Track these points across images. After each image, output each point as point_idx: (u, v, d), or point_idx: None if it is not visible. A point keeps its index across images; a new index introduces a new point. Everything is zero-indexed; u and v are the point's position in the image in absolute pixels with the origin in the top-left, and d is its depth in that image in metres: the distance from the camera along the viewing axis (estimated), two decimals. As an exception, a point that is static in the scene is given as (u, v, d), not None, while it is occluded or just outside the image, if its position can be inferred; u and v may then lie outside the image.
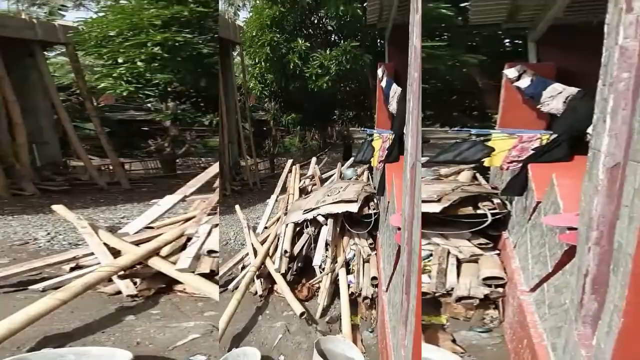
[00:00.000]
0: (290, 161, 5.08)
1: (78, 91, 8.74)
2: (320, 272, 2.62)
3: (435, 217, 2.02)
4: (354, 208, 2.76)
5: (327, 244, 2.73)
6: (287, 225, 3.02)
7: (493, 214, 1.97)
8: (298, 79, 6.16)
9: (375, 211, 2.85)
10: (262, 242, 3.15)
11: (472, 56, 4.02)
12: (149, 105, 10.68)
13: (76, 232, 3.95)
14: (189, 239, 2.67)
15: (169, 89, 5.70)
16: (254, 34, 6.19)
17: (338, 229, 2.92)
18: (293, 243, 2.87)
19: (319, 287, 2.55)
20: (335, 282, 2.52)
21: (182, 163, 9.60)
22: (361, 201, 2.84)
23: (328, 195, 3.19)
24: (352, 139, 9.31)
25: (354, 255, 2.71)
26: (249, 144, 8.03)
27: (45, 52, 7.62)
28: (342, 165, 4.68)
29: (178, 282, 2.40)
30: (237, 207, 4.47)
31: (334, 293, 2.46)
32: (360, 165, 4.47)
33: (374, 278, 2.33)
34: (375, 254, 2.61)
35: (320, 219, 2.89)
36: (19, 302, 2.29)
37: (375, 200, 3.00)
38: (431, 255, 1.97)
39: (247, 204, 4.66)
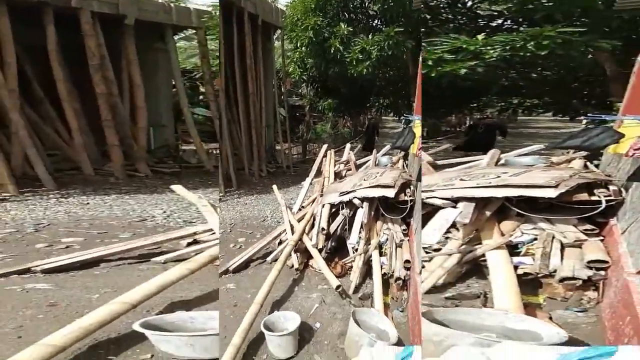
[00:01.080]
0: (325, 146, 5.16)
1: (197, 75, 8.96)
2: (354, 252, 2.72)
3: (544, 203, 2.06)
4: (390, 193, 2.78)
5: (362, 226, 2.79)
6: (323, 205, 3.12)
7: (607, 201, 1.97)
8: (338, 63, 6.12)
9: (411, 198, 2.84)
10: (299, 220, 3.30)
11: (607, 42, 3.69)
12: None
13: (189, 211, 4.47)
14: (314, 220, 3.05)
15: (311, 74, 6.41)
16: (297, 17, 6.19)
17: (373, 212, 2.97)
18: (329, 223, 2.97)
19: (351, 267, 2.64)
20: (367, 263, 2.60)
21: (310, 149, 9.86)
22: (398, 187, 2.85)
23: (364, 180, 3.23)
24: (378, 127, 9.18)
25: (387, 239, 2.75)
26: (284, 128, 8.22)
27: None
28: (376, 153, 4.66)
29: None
30: (274, 187, 4.69)
31: (366, 273, 2.54)
32: (396, 152, 4.43)
33: (406, 261, 2.36)
34: (408, 239, 2.64)
35: (357, 201, 2.95)
36: (142, 272, 2.65)
37: (412, 188, 2.98)
38: (535, 239, 2.04)
39: (281, 186, 4.89)
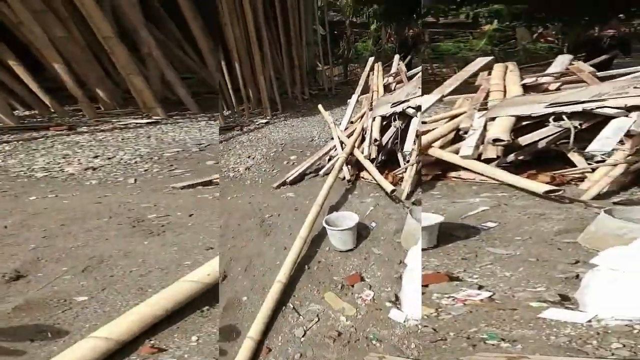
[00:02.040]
0: (371, 59, 4.79)
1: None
2: (405, 163, 2.75)
3: None
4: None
5: (416, 135, 2.73)
6: (374, 118, 3.10)
7: None
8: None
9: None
10: (348, 136, 3.33)
11: None
12: None
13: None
14: (457, 133, 2.88)
15: None
16: None
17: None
18: (380, 135, 2.95)
19: (401, 178, 2.69)
20: (419, 173, 2.63)
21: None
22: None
23: (419, 88, 3.06)
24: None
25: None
26: (325, 48, 7.52)
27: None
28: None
29: (451, 170, 2.69)
30: (319, 106, 4.64)
31: (418, 182, 2.60)
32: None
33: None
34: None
35: (410, 110, 2.85)
36: (319, 183, 2.89)
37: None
38: None
39: (325, 108, 4.79)
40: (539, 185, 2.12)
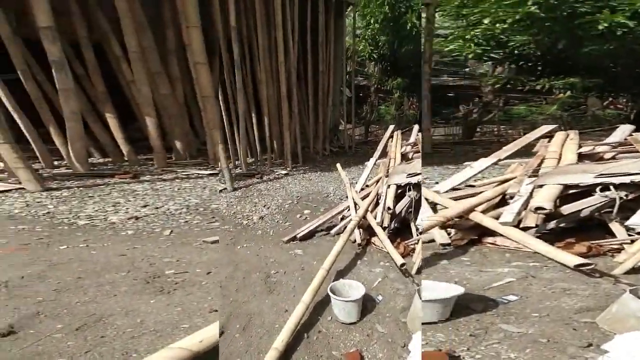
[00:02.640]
0: (391, 127, 4.91)
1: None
2: (418, 234, 2.64)
3: None
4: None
5: (429, 209, 2.67)
6: (389, 185, 3.05)
7: None
8: (412, 40, 5.57)
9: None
10: (362, 199, 3.30)
11: None
12: (466, 69, 10.26)
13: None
14: (503, 198, 2.87)
15: (515, 52, 5.42)
16: (372, -7, 5.72)
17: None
18: (394, 203, 2.90)
19: (413, 248, 2.57)
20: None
21: (478, 130, 9.48)
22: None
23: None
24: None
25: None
26: (349, 109, 8.02)
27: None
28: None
29: (489, 235, 2.57)
30: (338, 165, 4.74)
31: (430, 257, 2.43)
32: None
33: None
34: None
35: (421, 182, 2.82)
36: (329, 242, 2.91)
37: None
38: None
39: (343, 165, 4.89)
40: (570, 258, 1.94)
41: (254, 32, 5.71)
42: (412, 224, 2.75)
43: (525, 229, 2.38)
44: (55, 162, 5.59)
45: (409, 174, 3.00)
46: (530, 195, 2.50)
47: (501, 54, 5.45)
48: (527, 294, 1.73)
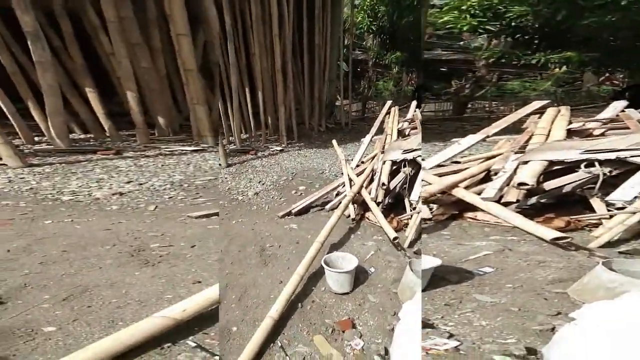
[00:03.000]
0: (389, 102, 4.79)
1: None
2: (411, 210, 2.64)
3: None
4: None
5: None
6: (385, 162, 3.02)
7: None
8: (413, 12, 5.31)
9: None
10: (358, 175, 3.27)
11: None
12: (461, 43, 9.65)
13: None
14: (488, 174, 2.85)
15: (512, 24, 5.14)
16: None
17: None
18: (389, 179, 2.88)
19: (406, 223, 2.58)
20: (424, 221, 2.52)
21: (470, 106, 9.34)
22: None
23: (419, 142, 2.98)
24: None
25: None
26: (346, 84, 7.80)
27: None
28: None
29: (469, 210, 2.59)
30: (334, 141, 4.66)
31: (422, 231, 2.46)
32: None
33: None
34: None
35: (421, 160, 2.78)
36: (324, 217, 2.93)
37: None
38: None
39: (339, 142, 4.83)
40: (546, 231, 1.97)
41: (246, 2, 5.41)
42: (406, 200, 2.75)
43: (506, 204, 2.39)
44: (36, 138, 5.42)
45: (405, 150, 2.96)
46: (515, 172, 2.49)
47: (497, 26, 5.18)
48: (503, 266, 1.76)
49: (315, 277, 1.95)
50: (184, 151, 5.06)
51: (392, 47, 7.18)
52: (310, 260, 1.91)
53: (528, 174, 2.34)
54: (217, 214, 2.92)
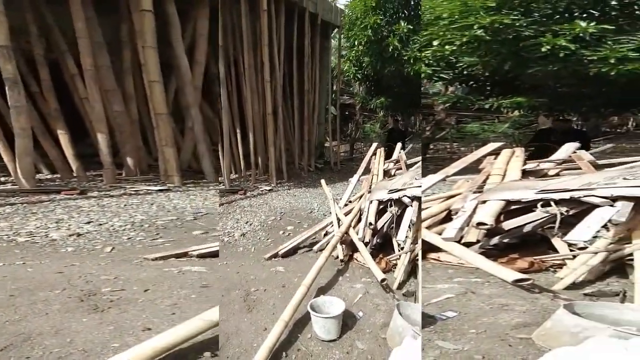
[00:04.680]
0: (375, 144, 5.12)
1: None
2: (399, 250, 2.66)
3: None
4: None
5: (410, 225, 2.72)
6: (371, 201, 3.11)
7: None
8: (395, 62, 6.03)
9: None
10: (346, 214, 3.34)
11: None
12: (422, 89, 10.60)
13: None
14: (449, 214, 2.92)
15: (464, 72, 5.75)
16: (356, 16, 6.27)
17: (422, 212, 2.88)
18: (376, 219, 2.95)
19: (395, 264, 2.61)
20: (413, 262, 2.53)
21: (432, 147, 10.03)
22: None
23: (416, 179, 3.14)
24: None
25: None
26: (334, 126, 8.35)
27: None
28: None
29: (432, 251, 2.62)
30: (322, 181, 4.82)
31: (411, 271, 2.49)
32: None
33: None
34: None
35: (406, 200, 2.89)
36: (311, 259, 2.94)
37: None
38: None
39: (328, 182, 5.03)
40: (508, 273, 2.01)
41: (240, 51, 6.03)
42: (393, 239, 2.78)
43: (468, 244, 2.45)
44: (2, 179, 5.40)
45: (390, 190, 3.09)
46: (474, 211, 2.56)
47: (451, 74, 5.84)
48: (466, 310, 1.77)
49: (301, 322, 1.91)
50: (149, 191, 5.15)
51: (376, 92, 7.94)
52: (296, 305, 1.88)
53: (486, 214, 2.42)
54: (175, 256, 2.87)
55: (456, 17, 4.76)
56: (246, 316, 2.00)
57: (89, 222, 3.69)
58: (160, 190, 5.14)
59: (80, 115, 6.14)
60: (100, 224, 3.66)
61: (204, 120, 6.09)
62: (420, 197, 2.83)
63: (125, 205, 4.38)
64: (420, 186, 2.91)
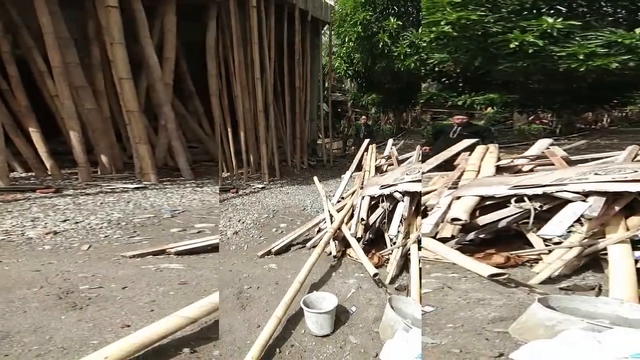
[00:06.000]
0: (367, 140, 5.17)
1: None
2: (392, 245, 2.70)
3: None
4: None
5: (401, 220, 2.77)
6: (363, 197, 3.15)
7: None
8: (385, 58, 6.12)
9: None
10: (338, 211, 3.37)
11: None
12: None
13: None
14: (425, 210, 2.93)
15: (436, 69, 5.82)
16: (346, 13, 6.32)
17: (413, 207, 2.93)
18: (368, 214, 2.99)
19: (387, 259, 2.64)
20: (405, 256, 2.56)
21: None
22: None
23: (407, 174, 3.20)
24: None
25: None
26: (326, 123, 8.39)
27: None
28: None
29: None
30: (315, 178, 4.85)
31: (403, 266, 2.53)
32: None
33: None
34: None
35: (398, 195, 2.94)
36: (305, 256, 2.91)
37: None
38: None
39: (321, 178, 5.11)
40: (484, 268, 2.05)
41: (230, 49, 6.00)
42: (386, 235, 2.82)
43: (443, 240, 2.49)
44: None
45: (382, 186, 3.13)
46: (449, 207, 2.61)
47: (423, 71, 6.01)
48: (443, 304, 1.81)
49: (294, 318, 1.93)
50: (126, 189, 5.11)
51: (368, 89, 8.02)
52: (289, 301, 1.90)
53: (461, 210, 2.47)
54: (153, 254, 2.85)
55: (423, 13, 4.89)
56: (240, 314, 2.02)
57: (65, 221, 3.64)
58: (137, 188, 5.10)
59: (51, 112, 6.03)
60: (77, 222, 3.61)
61: (176, 117, 6.10)
62: (418, 192, 2.85)
63: (101, 203, 4.34)
64: (412, 181, 2.96)
